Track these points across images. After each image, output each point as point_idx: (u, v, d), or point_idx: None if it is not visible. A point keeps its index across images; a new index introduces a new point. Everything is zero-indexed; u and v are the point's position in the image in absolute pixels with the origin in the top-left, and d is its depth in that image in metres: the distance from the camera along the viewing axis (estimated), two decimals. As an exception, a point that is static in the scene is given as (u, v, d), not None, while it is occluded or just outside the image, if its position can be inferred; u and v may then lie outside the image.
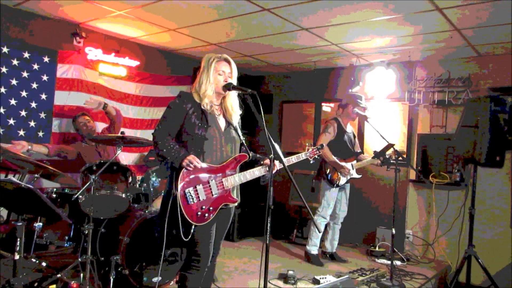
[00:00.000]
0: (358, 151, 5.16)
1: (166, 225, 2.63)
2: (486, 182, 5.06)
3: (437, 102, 5.50)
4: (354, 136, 5.20)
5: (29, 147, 4.19)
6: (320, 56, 5.81)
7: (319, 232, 4.91)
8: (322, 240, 5.17)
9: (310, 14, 4.14)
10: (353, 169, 4.93)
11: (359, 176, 5.01)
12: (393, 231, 4.25)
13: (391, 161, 4.42)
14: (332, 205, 4.94)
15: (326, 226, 5.10)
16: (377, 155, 4.48)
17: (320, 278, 4.20)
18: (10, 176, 3.61)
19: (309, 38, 4.93)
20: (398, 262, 5.06)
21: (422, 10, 3.88)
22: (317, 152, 3.13)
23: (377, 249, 5.48)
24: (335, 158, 4.80)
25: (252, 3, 3.92)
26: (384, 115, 6.01)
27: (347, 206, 5.15)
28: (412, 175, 5.68)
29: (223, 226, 2.89)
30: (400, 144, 5.80)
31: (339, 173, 4.82)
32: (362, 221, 6.12)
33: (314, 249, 5.06)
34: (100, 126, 5.05)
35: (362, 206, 6.14)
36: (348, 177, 4.91)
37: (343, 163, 4.81)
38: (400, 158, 4.32)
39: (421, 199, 5.63)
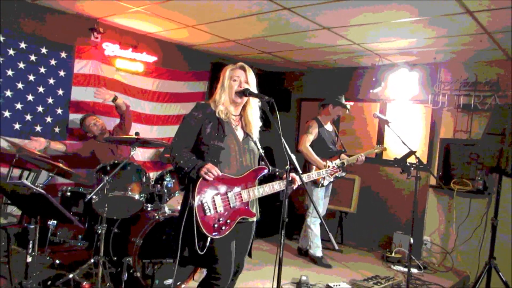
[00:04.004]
0: (341, 150, 5.13)
1: (181, 236, 2.56)
2: (509, 190, 4.85)
3: (462, 106, 5.30)
4: (336, 135, 5.21)
5: (47, 144, 4.26)
6: (341, 55, 5.66)
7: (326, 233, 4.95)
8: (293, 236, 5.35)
9: (332, 13, 3.98)
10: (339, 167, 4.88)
11: (344, 174, 5.02)
12: (411, 240, 4.13)
13: (412, 168, 4.26)
14: (321, 204, 5.00)
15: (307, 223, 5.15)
16: (397, 162, 4.33)
17: (334, 286, 4.13)
18: (23, 180, 3.62)
19: (330, 37, 4.78)
20: (414, 270, 4.93)
21: (452, 13, 3.69)
22: (338, 170, 3.03)
23: (393, 254, 5.36)
24: (318, 158, 4.79)
25: (272, 2, 3.80)
26: (406, 118, 5.85)
27: (326, 206, 5.22)
28: (433, 180, 5.51)
29: (245, 242, 2.77)
30: (421, 148, 5.65)
31: None
32: (379, 225, 6.00)
33: (318, 251, 5.05)
34: (109, 122, 5.03)
35: (379, 210, 6.02)
36: (333, 178, 4.85)
37: (327, 163, 4.73)
38: (421, 166, 4.16)
39: (441, 206, 5.47)
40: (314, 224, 5.03)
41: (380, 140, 6.05)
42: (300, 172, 2.58)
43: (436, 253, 5.43)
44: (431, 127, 5.67)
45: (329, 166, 3.02)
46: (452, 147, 5.41)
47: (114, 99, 4.55)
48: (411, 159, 4.26)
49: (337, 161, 4.87)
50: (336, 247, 2.67)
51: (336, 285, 4.14)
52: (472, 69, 5.25)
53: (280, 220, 2.41)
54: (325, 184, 4.87)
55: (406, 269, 4.39)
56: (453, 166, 5.37)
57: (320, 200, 4.96)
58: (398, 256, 5.33)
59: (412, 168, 4.19)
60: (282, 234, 2.42)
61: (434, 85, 5.50)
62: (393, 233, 5.66)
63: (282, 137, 2.48)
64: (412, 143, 4.87)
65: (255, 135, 2.77)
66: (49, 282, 3.57)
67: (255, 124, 2.76)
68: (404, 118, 5.86)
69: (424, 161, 5.33)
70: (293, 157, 2.57)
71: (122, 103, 4.61)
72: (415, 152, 4.24)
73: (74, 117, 4.81)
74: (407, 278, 4.12)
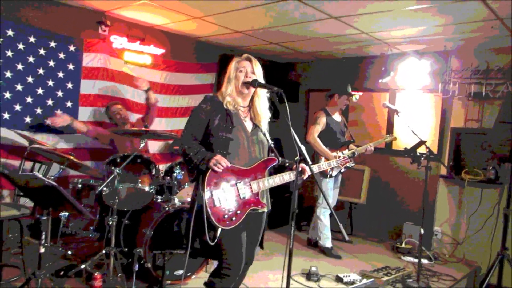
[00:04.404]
0: (350, 140, 5.10)
1: (191, 227, 2.57)
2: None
3: (473, 95, 5.21)
4: (345, 125, 5.19)
5: (70, 121, 4.34)
6: (350, 45, 5.60)
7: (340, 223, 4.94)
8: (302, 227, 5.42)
9: (339, 2, 3.94)
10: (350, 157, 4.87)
11: (353, 164, 4.92)
12: (422, 231, 4.11)
13: (422, 158, 4.22)
14: (331, 194, 5.00)
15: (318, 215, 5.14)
16: (407, 152, 4.29)
17: (344, 276, 4.12)
18: (35, 172, 3.65)
19: (338, 26, 4.73)
20: (425, 261, 4.91)
21: None
22: (348, 160, 3.01)
23: (403, 245, 5.34)
24: (326, 149, 4.79)
25: (280, -8, 3.77)
26: (416, 107, 5.80)
27: (336, 197, 5.20)
28: (443, 170, 5.45)
29: (255, 233, 2.76)
30: (432, 138, 5.60)
31: None
32: (389, 216, 5.99)
33: (327, 242, 5.05)
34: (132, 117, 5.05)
35: (388, 200, 6.00)
36: (343, 169, 4.81)
37: (338, 153, 4.75)
38: (432, 156, 4.12)
39: (452, 196, 5.42)
40: (323, 215, 5.03)
41: (390, 130, 6.01)
42: (310, 163, 2.56)
43: (446, 244, 5.39)
44: (442, 116, 5.61)
45: (339, 157, 3.00)
46: (463, 137, 5.35)
47: (148, 89, 4.66)
48: (421, 149, 4.22)
49: (347, 151, 4.85)
50: (347, 238, 2.64)
51: (346, 276, 4.13)
52: (483, 56, 5.16)
53: (289, 211, 2.41)
54: (333, 174, 4.86)
55: (416, 260, 4.37)
56: (464, 156, 5.31)
57: (330, 191, 4.95)
58: (408, 246, 5.31)
59: (422, 158, 4.15)
60: (292, 225, 2.43)
61: (444, 73, 5.42)
62: (403, 223, 5.63)
63: (291, 128, 2.47)
64: (422, 132, 4.82)
65: (264, 126, 2.76)
66: (61, 273, 3.62)
67: (264, 115, 2.74)
68: (414, 108, 5.81)
69: (435, 150, 5.30)
70: (303, 148, 2.56)
71: (153, 96, 4.70)
72: (425, 142, 4.20)
73: (84, 110, 4.84)
74: (418, 269, 4.12)
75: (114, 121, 4.63)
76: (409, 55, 5.31)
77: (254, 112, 2.74)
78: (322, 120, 4.95)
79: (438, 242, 5.47)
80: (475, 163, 5.20)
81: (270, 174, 2.71)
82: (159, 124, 5.57)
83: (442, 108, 5.61)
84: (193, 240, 2.61)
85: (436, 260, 5.08)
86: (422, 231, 4.11)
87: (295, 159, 2.53)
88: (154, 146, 5.55)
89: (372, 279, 3.29)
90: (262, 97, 2.74)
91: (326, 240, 5.04)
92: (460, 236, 5.28)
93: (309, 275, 4.17)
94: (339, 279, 4.14)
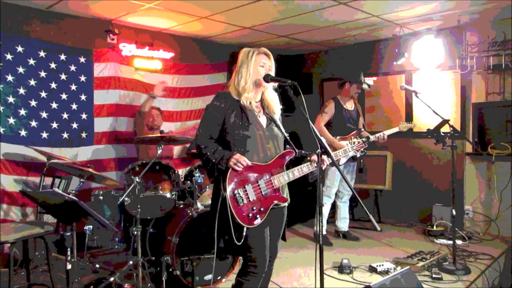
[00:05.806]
0: (360, 128, 5.03)
1: (216, 229, 2.52)
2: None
3: (492, 67, 5.05)
4: (358, 114, 5.10)
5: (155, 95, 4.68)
6: (360, 30, 5.47)
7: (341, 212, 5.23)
8: (332, 220, 5.34)
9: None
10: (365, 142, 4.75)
11: (363, 153, 4.85)
12: (453, 212, 3.98)
13: (447, 137, 4.07)
14: (336, 184, 4.96)
15: (333, 205, 5.14)
16: (431, 132, 4.15)
17: (377, 266, 4.02)
18: (55, 188, 3.65)
19: (347, 12, 4.63)
20: (459, 241, 4.74)
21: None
22: (364, 145, 2.92)
23: (434, 228, 5.19)
24: (332, 138, 4.77)
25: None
26: (434, 86, 5.63)
27: (352, 184, 5.14)
28: (469, 147, 5.30)
29: (278, 227, 2.71)
30: (453, 116, 5.44)
31: None
32: (416, 199, 5.85)
33: (323, 230, 4.98)
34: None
35: (415, 183, 5.87)
36: (349, 155, 4.68)
37: (352, 139, 4.62)
38: (456, 134, 3.98)
39: (480, 173, 5.25)
40: (325, 203, 4.96)
41: (409, 112, 5.86)
42: (332, 153, 2.49)
43: (479, 222, 5.24)
44: (461, 92, 5.45)
45: (354, 142, 2.91)
46: (486, 111, 5.18)
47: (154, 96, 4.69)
48: (445, 128, 4.08)
49: (356, 139, 4.75)
50: (378, 228, 2.56)
51: (380, 265, 4.02)
52: (500, 27, 4.98)
53: (312, 205, 2.35)
54: (340, 163, 4.75)
55: (450, 242, 4.24)
56: (489, 130, 5.14)
57: (335, 180, 4.90)
58: (440, 229, 5.17)
59: (446, 138, 4.01)
60: (320, 221, 2.38)
61: (460, 49, 5.25)
62: (431, 206, 5.48)
63: (309, 120, 2.41)
64: (443, 111, 4.67)
65: (277, 114, 2.72)
66: (91, 287, 3.60)
67: (276, 104, 2.71)
68: (432, 87, 5.65)
69: (458, 128, 5.10)
70: (323, 139, 2.49)
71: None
72: (448, 120, 4.06)
73: (99, 121, 4.84)
74: (453, 251, 3.99)
75: (146, 122, 4.60)
76: (423, 34, 5.16)
77: (266, 103, 2.69)
78: (330, 109, 4.91)
79: (470, 221, 5.32)
80: (501, 136, 5.03)
81: (288, 167, 2.65)
82: (174, 129, 5.55)
83: (462, 84, 5.44)
84: (219, 241, 2.56)
85: (470, 239, 4.94)
86: (454, 212, 3.98)
87: (317, 151, 2.45)
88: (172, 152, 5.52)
89: (408, 267, 3.17)
90: (270, 88, 2.70)
91: (322, 228, 4.96)
92: (492, 213, 5.12)
93: (341, 268, 4.07)
94: (372, 269, 4.04)
